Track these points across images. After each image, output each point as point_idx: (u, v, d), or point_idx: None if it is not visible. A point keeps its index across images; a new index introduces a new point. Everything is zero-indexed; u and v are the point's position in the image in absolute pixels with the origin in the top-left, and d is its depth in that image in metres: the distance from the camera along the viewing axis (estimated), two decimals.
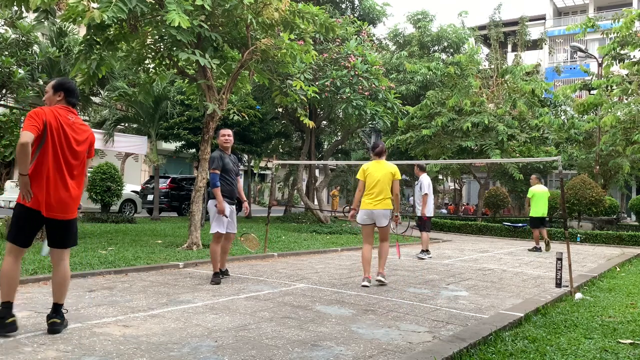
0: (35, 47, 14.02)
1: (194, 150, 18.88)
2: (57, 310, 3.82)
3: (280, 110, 19.48)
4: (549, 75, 29.27)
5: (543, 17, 39.72)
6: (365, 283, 6.28)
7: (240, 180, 6.53)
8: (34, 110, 3.65)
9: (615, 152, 18.10)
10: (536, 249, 11.92)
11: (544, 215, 12.07)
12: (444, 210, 36.38)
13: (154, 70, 10.17)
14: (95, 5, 7.42)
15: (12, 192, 13.64)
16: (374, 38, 23.58)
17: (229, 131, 6.49)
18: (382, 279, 6.41)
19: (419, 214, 10.50)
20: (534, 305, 5.28)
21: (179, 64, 9.38)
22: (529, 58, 29.10)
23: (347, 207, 28.24)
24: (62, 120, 3.75)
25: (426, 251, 10.08)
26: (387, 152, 25.01)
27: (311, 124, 11.92)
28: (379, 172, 6.44)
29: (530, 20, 27.69)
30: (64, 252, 3.89)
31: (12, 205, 12.32)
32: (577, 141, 20.79)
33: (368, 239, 6.53)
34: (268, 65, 10.04)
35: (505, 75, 19.91)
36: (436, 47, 26.72)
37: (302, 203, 20.00)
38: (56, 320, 3.77)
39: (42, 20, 8.00)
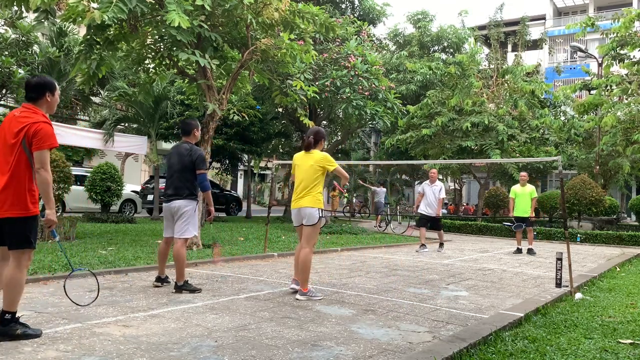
0: (35, 47, 14.04)
1: None
2: (0, 317, 3.57)
3: (280, 110, 19.46)
4: (549, 75, 29.26)
5: (543, 17, 39.71)
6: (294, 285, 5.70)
7: None
8: None
9: (615, 152, 18.10)
10: (519, 251, 11.43)
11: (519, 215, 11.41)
12: (444, 210, 36.38)
13: (154, 70, 10.17)
14: (95, 5, 7.42)
15: None
16: (374, 38, 23.59)
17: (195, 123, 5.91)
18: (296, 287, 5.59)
19: (433, 214, 11.24)
20: (534, 305, 5.28)
21: (179, 64, 9.39)
22: (529, 58, 29.06)
23: (347, 207, 28.24)
24: (7, 117, 3.65)
25: (442, 244, 11.59)
26: (387, 152, 24.82)
27: (311, 124, 11.91)
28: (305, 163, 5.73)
29: (531, 20, 27.66)
30: (10, 254, 3.60)
31: None
32: (577, 142, 20.79)
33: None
34: (268, 65, 10.04)
35: (506, 75, 19.92)
36: (436, 47, 26.75)
37: None
38: None
39: (42, 20, 8.00)
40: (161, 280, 5.74)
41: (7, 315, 3.56)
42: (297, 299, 5.32)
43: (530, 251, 11.39)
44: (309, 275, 5.49)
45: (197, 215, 5.66)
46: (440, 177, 31.54)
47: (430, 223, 11.47)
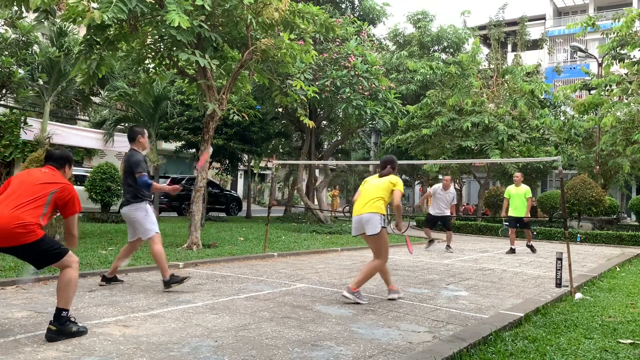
0: (35, 47, 14.03)
1: (194, 150, 18.88)
2: (56, 315, 3.71)
3: (280, 110, 19.47)
4: (549, 75, 29.25)
5: (543, 17, 39.69)
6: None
7: None
8: None
9: (615, 152, 18.10)
10: (512, 251, 11.26)
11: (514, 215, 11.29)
12: None
13: (154, 70, 10.16)
14: (95, 5, 7.42)
15: None
16: (374, 38, 23.59)
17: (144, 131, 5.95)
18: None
19: (443, 215, 11.56)
20: (534, 305, 5.28)
21: (179, 64, 9.38)
22: (529, 58, 29.09)
23: (347, 207, 28.21)
24: (30, 170, 4.08)
25: (449, 246, 11.60)
26: (387, 152, 24.89)
27: (311, 124, 11.92)
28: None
29: (530, 20, 27.70)
30: (57, 264, 3.81)
31: None
32: (577, 142, 20.80)
33: None
34: (268, 65, 10.04)
35: (506, 75, 19.92)
36: (436, 47, 26.75)
37: (302, 203, 20.01)
38: (51, 327, 3.65)
39: (42, 20, 7.99)
40: (107, 280, 5.73)
41: (63, 312, 3.71)
42: (390, 299, 5.48)
43: (531, 248, 11.43)
44: (390, 276, 5.70)
45: (150, 212, 5.63)
46: (440, 176, 31.60)
47: (442, 222, 11.73)
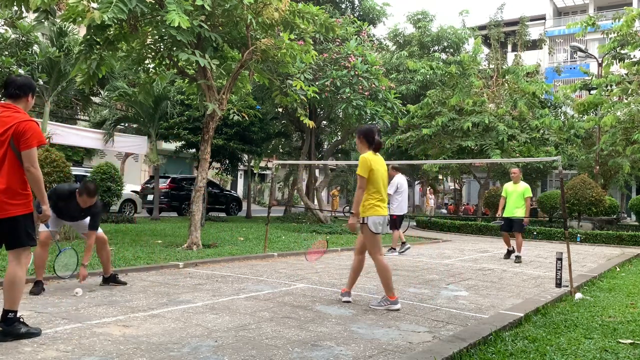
0: (35, 47, 14.02)
1: (194, 150, 18.89)
2: (2, 316, 3.60)
3: (280, 110, 19.48)
4: (549, 75, 29.26)
5: (543, 17, 39.71)
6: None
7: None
8: None
9: (615, 152, 18.11)
10: (509, 254, 10.12)
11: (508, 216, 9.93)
12: (444, 210, 36.41)
13: (154, 70, 10.17)
14: (95, 5, 7.42)
15: None
16: (374, 38, 23.60)
17: (92, 200, 5.32)
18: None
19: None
20: (534, 305, 5.28)
21: (179, 64, 9.39)
22: (528, 58, 29.07)
23: (347, 207, 28.22)
24: None
25: (394, 249, 10.43)
26: (387, 152, 24.66)
27: (311, 124, 11.91)
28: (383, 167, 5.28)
29: (530, 20, 27.71)
30: (9, 253, 3.66)
31: None
32: (576, 143, 20.81)
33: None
34: (268, 65, 10.04)
35: (507, 75, 19.93)
36: (436, 47, 26.77)
37: (302, 203, 20.01)
38: None
39: (42, 20, 7.99)
40: (107, 280, 5.74)
41: (10, 314, 3.59)
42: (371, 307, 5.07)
43: (517, 259, 9.64)
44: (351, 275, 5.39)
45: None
46: (440, 176, 31.63)
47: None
